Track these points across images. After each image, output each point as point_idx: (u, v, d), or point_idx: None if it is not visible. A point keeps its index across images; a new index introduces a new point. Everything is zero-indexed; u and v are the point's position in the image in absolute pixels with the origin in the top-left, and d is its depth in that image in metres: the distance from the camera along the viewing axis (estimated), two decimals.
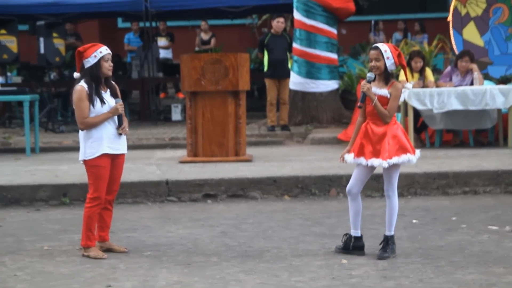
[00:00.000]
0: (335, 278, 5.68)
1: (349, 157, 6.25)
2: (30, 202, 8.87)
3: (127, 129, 6.54)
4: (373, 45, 6.29)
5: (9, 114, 15.63)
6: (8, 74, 16.70)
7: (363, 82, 6.25)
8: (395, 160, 6.11)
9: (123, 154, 6.57)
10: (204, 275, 5.84)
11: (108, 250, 6.55)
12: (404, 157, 6.15)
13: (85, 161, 6.42)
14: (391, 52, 6.12)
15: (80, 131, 6.48)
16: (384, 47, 6.17)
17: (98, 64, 6.35)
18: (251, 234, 7.21)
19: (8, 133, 14.29)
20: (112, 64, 6.43)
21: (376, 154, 6.11)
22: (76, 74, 6.50)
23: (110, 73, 6.41)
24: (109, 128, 6.42)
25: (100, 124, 6.36)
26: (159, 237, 7.16)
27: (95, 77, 6.36)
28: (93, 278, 5.81)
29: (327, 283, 5.56)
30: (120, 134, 6.47)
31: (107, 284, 5.62)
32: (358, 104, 6.29)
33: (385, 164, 6.08)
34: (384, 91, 6.16)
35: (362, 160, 6.17)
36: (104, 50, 6.38)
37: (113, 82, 6.58)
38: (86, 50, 6.38)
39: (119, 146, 6.49)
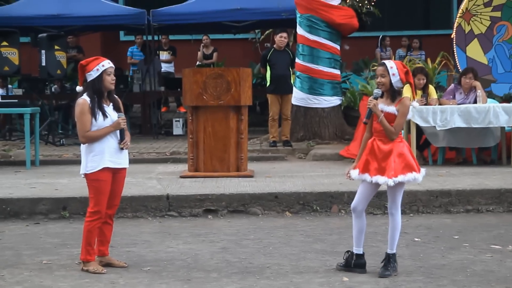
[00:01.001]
0: None
1: (354, 173, 6.22)
2: (30, 216, 8.82)
3: (128, 144, 6.50)
4: (381, 62, 6.27)
5: (10, 126, 15.60)
6: (9, 86, 16.69)
7: (369, 98, 6.23)
8: (400, 178, 6.07)
9: (124, 168, 6.54)
10: None
11: (108, 264, 6.50)
12: (409, 176, 6.11)
13: (86, 175, 6.38)
14: (397, 69, 6.10)
15: (82, 144, 6.44)
16: (390, 63, 6.14)
17: (100, 78, 6.33)
18: (251, 250, 7.15)
19: (8, 146, 14.25)
20: (114, 78, 6.41)
21: (381, 171, 6.07)
22: (78, 88, 6.47)
23: (112, 87, 6.39)
24: (111, 142, 6.38)
25: (101, 138, 6.33)
26: (159, 252, 7.11)
27: (97, 91, 6.34)
28: None
29: None
30: (122, 149, 6.43)
31: None
32: (364, 120, 6.27)
33: (390, 182, 6.04)
34: (391, 108, 6.12)
35: (366, 176, 6.14)
36: (106, 64, 6.36)
37: (116, 96, 6.54)
38: (88, 64, 6.36)
39: (121, 160, 6.46)
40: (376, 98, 6.21)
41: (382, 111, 6.13)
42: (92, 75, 6.34)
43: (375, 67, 6.59)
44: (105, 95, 6.40)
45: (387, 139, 6.13)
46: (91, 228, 6.37)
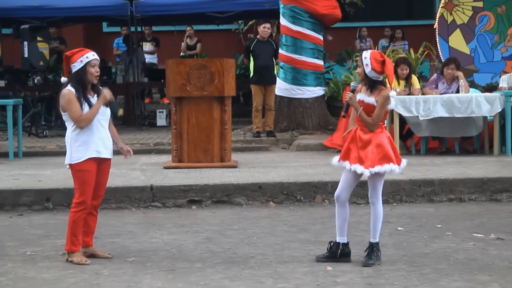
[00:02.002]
0: (320, 285, 5.66)
1: (334, 160, 6.25)
2: (13, 207, 8.80)
3: (131, 152, 6.74)
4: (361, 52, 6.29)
5: None
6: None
7: (347, 92, 6.26)
8: (377, 169, 6.09)
9: (109, 159, 6.54)
10: (188, 281, 5.80)
11: (92, 255, 6.50)
12: (386, 167, 6.13)
13: (71, 165, 6.38)
14: (370, 58, 6.09)
15: (66, 135, 6.42)
16: (366, 53, 6.15)
17: (83, 70, 6.32)
18: (236, 240, 7.17)
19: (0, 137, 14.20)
20: (98, 70, 6.39)
21: (360, 160, 6.10)
22: (63, 79, 6.48)
23: (95, 80, 6.36)
24: (96, 132, 6.37)
25: (95, 115, 6.30)
26: (143, 242, 7.11)
27: (80, 82, 6.32)
28: (76, 283, 5.76)
29: None
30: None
31: None
32: (342, 113, 6.31)
33: (367, 172, 6.08)
34: (371, 99, 6.14)
35: (346, 164, 6.16)
36: (91, 56, 6.35)
37: (101, 88, 6.52)
38: (73, 55, 6.35)
39: (106, 150, 6.46)
40: (352, 91, 6.25)
41: (362, 101, 6.15)
42: (76, 66, 6.34)
43: (357, 58, 6.60)
44: (89, 87, 6.39)
45: (367, 129, 6.15)
46: (77, 219, 6.37)
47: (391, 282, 5.70)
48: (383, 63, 6.08)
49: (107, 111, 6.49)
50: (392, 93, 6.17)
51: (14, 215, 8.58)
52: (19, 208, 8.81)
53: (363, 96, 6.19)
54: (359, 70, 6.21)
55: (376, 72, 6.09)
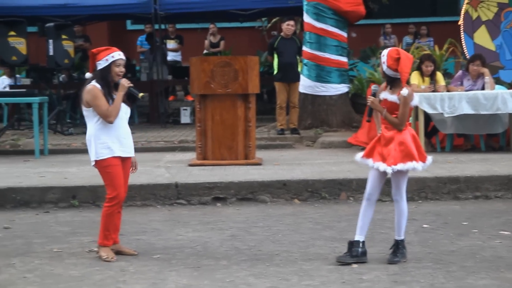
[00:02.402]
0: (345, 282, 5.65)
1: (357, 156, 6.24)
2: (39, 204, 8.86)
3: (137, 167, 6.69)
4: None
5: (18, 116, 15.58)
6: (17, 76, 16.71)
7: (369, 96, 6.25)
8: (399, 167, 6.07)
9: (130, 157, 6.55)
10: (213, 278, 5.81)
11: (118, 252, 6.52)
12: (409, 165, 6.10)
13: (97, 162, 6.39)
14: (387, 56, 6.07)
15: (88, 133, 6.45)
16: (384, 51, 6.14)
17: (108, 68, 6.35)
18: (260, 237, 7.17)
19: (17, 135, 14.30)
20: (123, 70, 6.41)
21: (383, 158, 6.08)
22: (88, 74, 6.50)
23: (118, 79, 6.39)
24: (118, 129, 6.40)
25: (120, 106, 6.36)
26: (168, 240, 7.13)
27: (104, 80, 6.35)
28: (103, 280, 5.79)
29: (338, 287, 5.52)
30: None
31: (117, 287, 5.60)
32: (367, 118, 6.30)
33: (389, 170, 6.06)
34: (393, 97, 6.12)
35: (369, 161, 6.14)
36: (116, 55, 6.38)
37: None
38: (99, 53, 6.39)
39: (129, 149, 6.50)
40: (374, 95, 6.24)
41: (386, 100, 6.13)
42: (101, 64, 6.37)
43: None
44: (112, 85, 6.42)
45: (391, 126, 6.13)
46: (111, 213, 6.42)
47: (417, 279, 5.68)
48: (398, 60, 6.04)
49: (128, 108, 6.52)
50: (404, 91, 6.09)
51: (41, 212, 8.64)
52: (45, 205, 8.87)
53: (386, 94, 6.17)
54: (380, 68, 6.21)
55: (392, 69, 6.06)
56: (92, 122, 6.43)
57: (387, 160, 6.06)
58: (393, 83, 6.13)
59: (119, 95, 6.39)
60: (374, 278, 5.73)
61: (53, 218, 8.32)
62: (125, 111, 6.51)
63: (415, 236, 7.08)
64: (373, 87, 6.38)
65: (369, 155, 6.19)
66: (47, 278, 5.87)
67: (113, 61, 6.36)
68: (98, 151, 6.37)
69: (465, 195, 9.06)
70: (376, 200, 6.24)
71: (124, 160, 6.48)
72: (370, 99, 6.21)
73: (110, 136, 6.37)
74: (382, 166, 6.07)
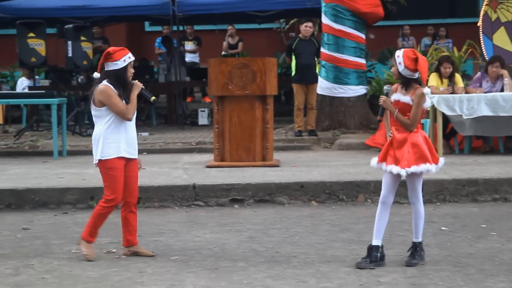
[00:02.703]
0: (363, 285, 5.63)
1: (373, 161, 6.22)
2: (58, 205, 8.90)
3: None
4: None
5: (37, 117, 15.71)
6: (36, 77, 16.80)
7: (381, 95, 6.24)
8: (413, 169, 6.05)
9: (135, 159, 6.58)
10: (231, 280, 5.81)
11: (136, 253, 6.54)
12: (423, 167, 6.08)
13: (101, 162, 6.42)
14: (403, 56, 6.04)
15: (95, 133, 6.46)
16: (398, 52, 6.12)
17: (125, 69, 6.40)
18: (278, 239, 7.17)
19: (35, 136, 14.37)
20: (133, 71, 6.50)
21: (396, 161, 6.06)
22: (96, 74, 6.49)
23: (131, 80, 6.48)
24: (126, 131, 6.44)
25: (136, 104, 6.43)
26: (186, 241, 7.14)
27: (121, 81, 6.39)
28: (121, 282, 5.81)
29: None
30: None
31: None
32: (378, 118, 6.28)
33: (403, 172, 6.04)
34: (407, 98, 6.10)
35: (383, 165, 6.13)
36: (132, 56, 6.47)
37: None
38: (115, 53, 6.40)
39: (134, 151, 6.54)
40: (386, 95, 6.22)
41: (398, 101, 6.11)
42: (118, 64, 6.39)
43: None
44: (128, 86, 6.46)
45: (403, 129, 6.10)
46: (104, 214, 6.48)
47: (435, 282, 5.66)
48: (416, 60, 6.02)
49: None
50: (426, 90, 6.08)
51: (59, 213, 8.68)
52: (64, 206, 8.91)
53: (398, 95, 6.15)
54: (393, 69, 6.19)
55: (409, 70, 6.04)
56: (102, 122, 6.44)
57: (401, 162, 6.04)
58: (408, 84, 6.11)
59: (134, 94, 6.44)
60: (392, 281, 5.72)
61: (72, 219, 8.36)
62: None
63: (433, 239, 7.05)
64: (385, 87, 6.37)
65: (383, 159, 6.17)
66: (66, 279, 5.90)
67: (130, 62, 6.40)
68: (105, 150, 6.39)
69: (484, 197, 9.01)
70: (392, 203, 6.21)
71: (128, 161, 6.51)
72: (382, 98, 6.20)
73: (119, 136, 6.41)
74: (396, 169, 6.05)
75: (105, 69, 6.43)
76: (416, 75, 6.09)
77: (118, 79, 6.40)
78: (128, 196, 6.55)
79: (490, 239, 7.05)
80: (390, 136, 6.17)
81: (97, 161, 6.47)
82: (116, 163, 6.40)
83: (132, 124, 6.52)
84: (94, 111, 6.46)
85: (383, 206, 6.18)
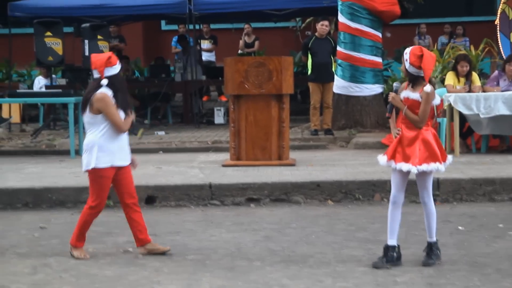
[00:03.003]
0: (379, 285, 5.63)
1: (382, 159, 6.20)
2: (75, 204, 8.93)
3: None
4: None
5: (54, 116, 15.77)
6: (53, 76, 16.87)
7: (390, 92, 6.23)
8: (424, 167, 6.03)
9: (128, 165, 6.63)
10: (247, 279, 5.82)
11: (151, 252, 6.56)
12: (433, 166, 6.06)
13: (93, 170, 6.45)
14: (410, 53, 6.04)
15: (89, 139, 6.47)
16: (407, 50, 6.12)
17: (120, 72, 6.53)
18: (294, 238, 7.17)
19: (52, 135, 14.43)
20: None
21: (406, 158, 6.04)
22: (104, 81, 6.41)
23: None
24: (120, 140, 6.50)
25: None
26: (202, 240, 7.16)
27: (120, 84, 6.48)
28: (137, 281, 5.83)
29: None
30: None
31: (151, 287, 5.62)
32: (387, 115, 6.27)
33: (414, 170, 6.02)
34: (415, 95, 6.09)
35: (392, 163, 6.10)
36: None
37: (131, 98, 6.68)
38: (112, 57, 6.48)
39: (127, 157, 6.59)
40: (395, 91, 6.21)
41: (408, 98, 6.10)
42: (116, 68, 6.44)
43: None
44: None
45: (413, 126, 6.09)
46: (89, 220, 6.57)
47: (452, 282, 5.64)
48: (421, 57, 6.01)
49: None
50: (427, 88, 6.04)
51: (76, 212, 8.68)
52: (80, 205, 8.88)
53: (408, 93, 6.14)
54: (402, 66, 6.19)
55: (414, 66, 6.04)
56: (97, 130, 6.44)
57: (412, 159, 6.02)
58: (415, 81, 6.10)
59: (130, 119, 6.48)
60: (408, 281, 5.70)
61: None
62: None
63: (450, 238, 7.03)
64: (394, 84, 6.36)
65: (391, 157, 6.15)
66: (83, 278, 5.92)
67: (122, 66, 6.48)
68: (100, 159, 6.42)
69: (501, 197, 8.97)
70: (402, 201, 6.19)
71: (120, 168, 6.54)
72: (391, 95, 6.19)
73: (113, 144, 6.45)
74: (406, 166, 6.03)
75: (106, 75, 6.41)
76: (422, 72, 6.09)
77: (119, 83, 6.46)
78: (128, 198, 6.61)
79: (507, 239, 7.02)
80: (398, 134, 6.15)
81: (88, 169, 6.47)
82: (108, 173, 6.46)
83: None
84: (89, 118, 6.44)
85: (394, 206, 6.17)
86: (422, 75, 6.05)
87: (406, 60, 6.07)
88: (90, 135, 6.47)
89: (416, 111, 6.06)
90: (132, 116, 6.56)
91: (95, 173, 6.46)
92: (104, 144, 6.41)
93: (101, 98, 6.35)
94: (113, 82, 6.42)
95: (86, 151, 6.48)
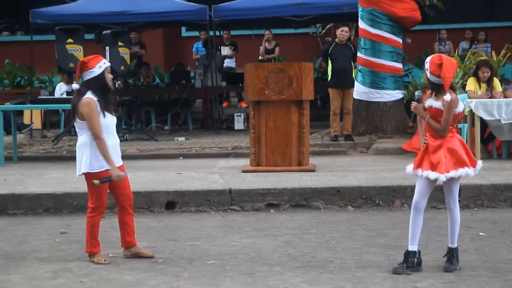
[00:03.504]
0: None
1: (409, 168, 6.21)
2: None
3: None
4: None
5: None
6: (74, 82, 16.94)
7: (413, 102, 6.22)
8: (452, 174, 6.01)
9: (121, 165, 6.65)
10: (267, 284, 5.81)
11: (136, 254, 6.63)
12: (461, 171, 6.05)
13: (87, 174, 6.49)
14: (430, 62, 6.03)
15: (81, 143, 6.52)
16: (428, 58, 6.10)
17: (103, 75, 6.45)
18: (314, 244, 7.16)
19: (73, 141, 14.47)
20: (112, 77, 6.53)
21: (433, 167, 6.02)
22: (75, 86, 6.53)
23: (111, 84, 6.50)
24: (112, 140, 6.54)
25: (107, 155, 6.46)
26: (222, 246, 7.16)
27: (102, 88, 6.47)
28: (157, 286, 5.84)
29: None
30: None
31: None
32: (410, 124, 6.26)
33: (442, 178, 6.00)
34: (438, 104, 6.07)
35: (419, 171, 6.09)
36: (106, 62, 6.54)
37: (113, 97, 6.65)
38: (90, 61, 6.49)
39: (118, 158, 6.61)
40: (417, 100, 6.19)
41: (431, 107, 6.09)
42: (94, 72, 6.45)
43: None
44: (109, 92, 6.52)
45: (437, 134, 6.07)
46: (94, 223, 6.59)
47: None
48: (440, 65, 5.99)
49: (114, 118, 6.61)
50: (447, 97, 6.02)
51: None
52: None
53: (431, 101, 6.13)
54: (424, 76, 6.17)
55: (435, 75, 6.02)
56: (86, 134, 6.49)
57: (438, 167, 6.00)
58: (438, 89, 6.09)
59: (111, 163, 6.45)
60: (429, 286, 5.68)
61: (109, 223, 8.39)
62: (114, 122, 6.61)
63: (471, 244, 6.99)
64: (416, 93, 6.38)
65: (418, 165, 6.15)
66: (103, 283, 5.94)
67: (106, 68, 6.47)
68: (93, 164, 6.46)
69: None
70: (424, 208, 6.17)
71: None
72: (413, 104, 6.19)
73: (108, 147, 6.46)
74: (433, 175, 6.01)
75: (84, 79, 6.49)
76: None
77: (99, 86, 6.45)
78: (124, 200, 6.67)
79: None
80: (425, 142, 6.14)
81: (82, 172, 6.52)
82: (103, 175, 6.48)
83: (113, 131, 6.58)
84: (77, 123, 6.51)
85: (416, 212, 6.15)
86: (443, 83, 6.04)
87: (427, 69, 6.06)
88: (81, 138, 6.54)
89: (439, 119, 6.04)
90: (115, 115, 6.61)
91: (90, 177, 6.50)
92: (95, 149, 6.44)
93: (86, 103, 6.40)
94: (89, 84, 6.44)
95: (79, 154, 6.55)
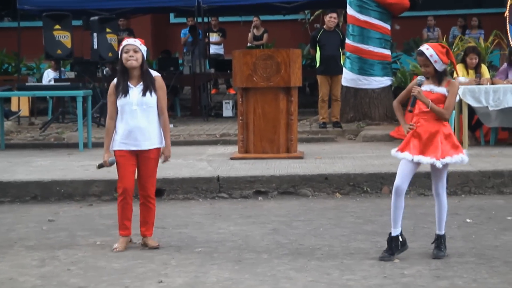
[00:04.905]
0: (387, 277, 5.62)
1: (393, 150, 6.19)
2: (83, 197, 8.95)
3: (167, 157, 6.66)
4: (418, 50, 6.15)
5: (62, 109, 15.79)
6: (62, 69, 16.89)
7: (413, 86, 6.15)
8: (448, 160, 6.03)
9: (147, 150, 6.51)
10: (255, 272, 5.82)
11: (144, 244, 6.63)
12: (456, 157, 6.05)
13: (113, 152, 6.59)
14: (437, 54, 6.00)
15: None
16: (429, 51, 6.01)
17: (121, 57, 6.49)
18: (302, 231, 7.17)
19: (61, 128, 14.46)
20: (132, 55, 6.41)
21: (426, 151, 6.01)
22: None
23: (129, 64, 6.41)
24: (132, 122, 6.44)
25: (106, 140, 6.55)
26: (210, 233, 7.16)
27: (120, 70, 6.54)
28: (145, 273, 5.83)
29: (379, 282, 5.49)
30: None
31: (159, 280, 5.63)
32: (409, 108, 6.22)
33: (438, 163, 6.00)
34: (442, 89, 6.07)
35: (406, 155, 6.08)
36: (125, 42, 6.54)
37: (155, 77, 6.55)
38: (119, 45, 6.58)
39: (135, 142, 6.46)
40: (419, 85, 6.16)
41: (431, 92, 6.08)
42: (119, 54, 6.55)
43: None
44: (130, 73, 6.46)
45: (432, 120, 6.06)
46: (121, 206, 6.58)
47: (459, 274, 5.63)
48: (447, 52, 6.05)
49: (146, 100, 6.44)
50: (461, 79, 6.08)
51: (84, 205, 8.73)
52: (89, 198, 8.96)
53: (430, 87, 6.11)
54: (427, 69, 6.07)
55: (445, 64, 6.05)
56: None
57: (434, 153, 6.00)
58: (441, 76, 6.10)
59: (106, 149, 6.55)
60: (416, 273, 5.69)
61: (97, 211, 8.41)
62: (142, 103, 6.44)
63: (458, 231, 7.02)
64: (419, 77, 6.26)
65: (404, 149, 6.13)
66: (91, 271, 5.93)
67: (122, 49, 6.48)
68: (115, 142, 6.55)
69: (509, 189, 8.95)
70: (405, 191, 6.15)
71: (140, 153, 6.50)
72: (416, 89, 6.12)
73: (122, 128, 6.48)
74: (427, 160, 6.01)
75: None
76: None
77: (119, 68, 6.58)
78: (140, 188, 6.60)
79: None
80: (410, 129, 6.12)
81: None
82: (120, 154, 6.49)
83: (136, 114, 6.43)
84: None
85: (397, 195, 6.12)
86: (447, 70, 6.08)
87: (436, 61, 5.99)
88: None
89: (439, 104, 6.04)
90: None
91: (114, 155, 6.53)
92: (118, 127, 6.50)
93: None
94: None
95: None
